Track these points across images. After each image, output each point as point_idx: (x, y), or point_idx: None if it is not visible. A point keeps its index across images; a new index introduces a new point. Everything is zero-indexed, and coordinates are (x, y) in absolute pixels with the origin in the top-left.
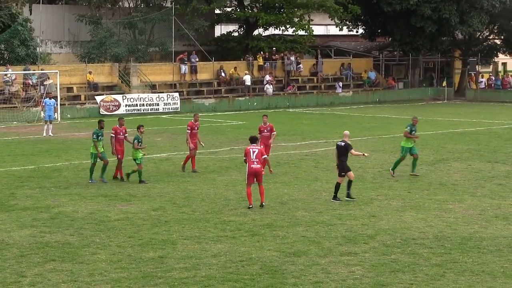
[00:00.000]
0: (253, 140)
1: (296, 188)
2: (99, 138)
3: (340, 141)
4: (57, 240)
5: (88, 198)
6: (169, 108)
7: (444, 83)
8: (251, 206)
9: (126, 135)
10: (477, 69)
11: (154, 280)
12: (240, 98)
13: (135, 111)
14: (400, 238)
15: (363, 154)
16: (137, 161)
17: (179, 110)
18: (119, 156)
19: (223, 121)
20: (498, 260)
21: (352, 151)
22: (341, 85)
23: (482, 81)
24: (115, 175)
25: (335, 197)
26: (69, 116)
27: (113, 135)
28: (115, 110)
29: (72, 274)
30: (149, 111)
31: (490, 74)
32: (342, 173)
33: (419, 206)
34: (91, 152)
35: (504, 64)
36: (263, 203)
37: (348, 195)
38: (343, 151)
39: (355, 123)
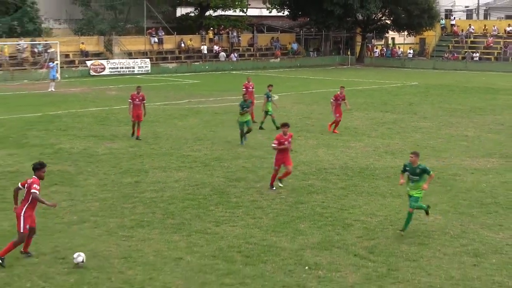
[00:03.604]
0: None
1: (237, 131)
2: (244, 109)
3: None
4: (59, 169)
5: (82, 138)
6: (142, 70)
7: (348, 53)
8: None
9: (144, 102)
10: (373, 42)
11: (131, 199)
12: (196, 63)
13: (116, 72)
14: (315, 168)
15: None
16: (269, 113)
17: (149, 72)
18: (133, 119)
19: (182, 80)
20: (387, 184)
21: None
22: (236, 55)
23: (376, 51)
24: (137, 134)
25: None
26: (66, 76)
27: (130, 101)
28: (101, 72)
29: (70, 194)
30: (127, 73)
31: (382, 46)
32: None
33: (329, 144)
34: (238, 121)
35: (393, 38)
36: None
37: None
38: None
39: (282, 82)
